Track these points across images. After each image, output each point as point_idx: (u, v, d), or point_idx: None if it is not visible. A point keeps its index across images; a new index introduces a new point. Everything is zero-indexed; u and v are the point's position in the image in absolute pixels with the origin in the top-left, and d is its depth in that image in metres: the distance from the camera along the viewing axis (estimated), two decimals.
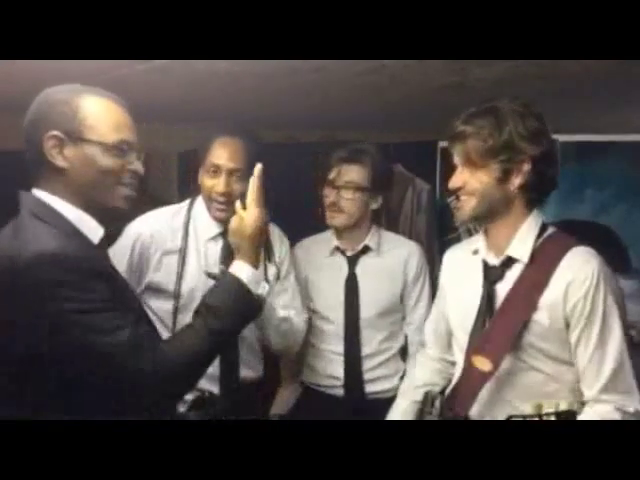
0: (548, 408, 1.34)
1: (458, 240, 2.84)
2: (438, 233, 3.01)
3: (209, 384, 1.96)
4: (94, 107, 1.37)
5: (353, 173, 2.15)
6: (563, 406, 1.35)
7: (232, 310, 1.45)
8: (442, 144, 3.00)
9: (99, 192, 1.37)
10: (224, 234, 1.93)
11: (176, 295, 1.94)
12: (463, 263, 1.74)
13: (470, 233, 2.90)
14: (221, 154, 1.94)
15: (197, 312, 1.44)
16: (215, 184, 1.94)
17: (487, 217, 1.61)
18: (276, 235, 2.12)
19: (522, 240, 1.59)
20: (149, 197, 3.33)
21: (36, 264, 1.23)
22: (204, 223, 2.02)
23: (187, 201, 2.09)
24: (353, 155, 2.16)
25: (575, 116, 3.06)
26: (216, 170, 1.94)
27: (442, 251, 2.80)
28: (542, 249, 1.58)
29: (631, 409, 1.48)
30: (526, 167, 1.54)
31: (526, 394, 1.55)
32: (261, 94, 2.39)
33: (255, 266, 1.52)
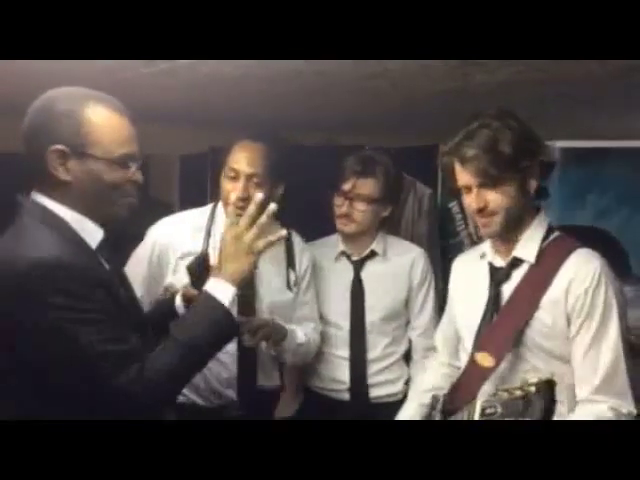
0: (532, 379, 1.36)
1: (460, 245, 2.85)
2: (439, 238, 3.01)
3: (226, 389, 1.98)
4: (98, 121, 1.34)
5: (367, 186, 2.15)
6: (544, 377, 1.37)
7: (202, 324, 1.37)
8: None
9: (102, 203, 1.38)
10: None
11: None
12: (470, 268, 1.77)
13: (471, 238, 2.91)
14: (240, 158, 1.94)
15: (169, 328, 1.39)
16: (233, 189, 1.93)
17: (516, 226, 1.62)
18: (298, 245, 2.13)
19: (529, 241, 1.61)
20: (150, 200, 3.34)
21: (35, 271, 1.22)
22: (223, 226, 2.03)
23: (210, 205, 2.10)
24: (368, 168, 2.16)
25: (576, 122, 3.06)
26: (235, 175, 1.94)
27: (444, 256, 2.82)
28: (547, 251, 1.60)
29: (624, 410, 1.49)
30: (536, 166, 1.57)
31: None
32: (264, 97, 2.39)
33: (237, 285, 1.42)
